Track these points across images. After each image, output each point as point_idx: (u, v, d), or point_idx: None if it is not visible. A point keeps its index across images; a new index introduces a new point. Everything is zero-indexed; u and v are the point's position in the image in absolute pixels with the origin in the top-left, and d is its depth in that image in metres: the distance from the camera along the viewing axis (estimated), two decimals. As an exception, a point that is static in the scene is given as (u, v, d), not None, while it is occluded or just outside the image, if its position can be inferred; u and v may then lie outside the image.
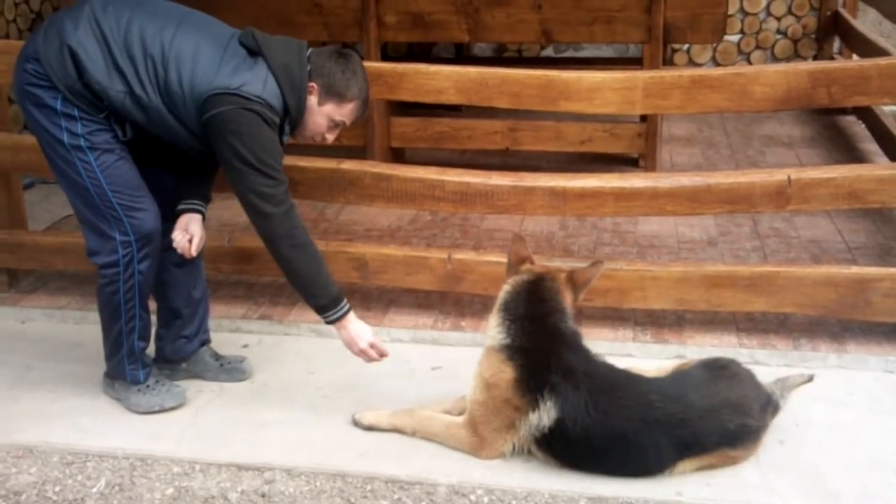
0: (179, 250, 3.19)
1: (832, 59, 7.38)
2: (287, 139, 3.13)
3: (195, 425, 3.21)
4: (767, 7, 7.77)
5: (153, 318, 3.35)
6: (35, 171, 4.14)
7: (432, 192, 3.63)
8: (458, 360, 3.49)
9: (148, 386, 3.29)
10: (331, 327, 3.15)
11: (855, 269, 3.62)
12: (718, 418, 2.79)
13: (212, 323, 3.58)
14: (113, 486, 2.92)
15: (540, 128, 5.48)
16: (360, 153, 5.23)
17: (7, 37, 6.02)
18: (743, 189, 3.45)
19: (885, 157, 5.51)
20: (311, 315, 3.29)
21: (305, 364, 3.62)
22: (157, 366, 3.42)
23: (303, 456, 3.01)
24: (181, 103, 2.93)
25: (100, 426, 3.21)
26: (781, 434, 3.04)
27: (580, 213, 3.98)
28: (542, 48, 7.94)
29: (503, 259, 3.50)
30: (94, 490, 2.90)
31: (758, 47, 7.87)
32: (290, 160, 3.36)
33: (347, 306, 3.10)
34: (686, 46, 7.77)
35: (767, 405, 2.96)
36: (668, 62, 7.68)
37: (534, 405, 2.80)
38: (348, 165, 3.68)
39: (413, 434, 3.07)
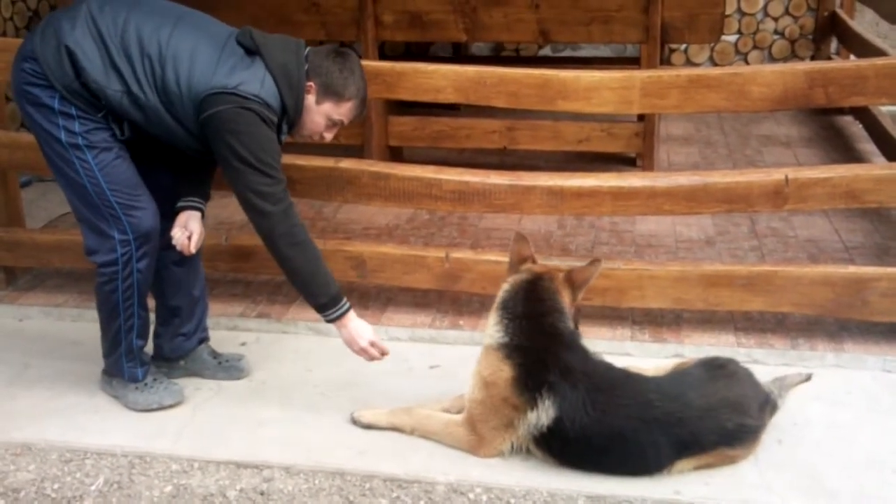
0: (178, 247, 3.19)
1: (829, 59, 7.39)
2: (285, 138, 3.13)
3: (193, 423, 3.21)
4: (765, 7, 7.78)
5: (151, 317, 3.35)
6: (32, 169, 4.14)
7: (430, 191, 3.63)
8: (457, 359, 3.50)
9: (146, 384, 3.29)
10: (329, 326, 3.15)
11: (852, 269, 3.63)
12: (717, 417, 2.80)
13: (210, 321, 3.58)
14: (111, 483, 2.92)
15: (538, 127, 5.48)
16: (357, 152, 5.24)
17: (4, 34, 6.00)
18: (740, 189, 3.46)
19: (882, 157, 5.52)
20: (309, 313, 3.29)
21: (304, 362, 3.62)
22: (155, 364, 3.42)
23: (301, 454, 3.01)
24: (179, 102, 2.93)
25: (98, 424, 3.21)
26: (779, 433, 3.04)
27: (578, 213, 3.99)
28: (540, 48, 7.95)
29: (501, 258, 3.52)
30: (93, 488, 2.90)
31: (755, 47, 7.88)
32: (288, 159, 3.36)
33: (347, 305, 3.10)
34: (683, 46, 7.78)
35: (766, 404, 2.97)
36: (666, 62, 7.69)
37: (532, 404, 2.80)
38: (346, 164, 3.68)
39: (411, 432, 3.07)
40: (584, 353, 2.89)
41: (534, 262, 3.06)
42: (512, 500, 2.79)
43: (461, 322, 3.86)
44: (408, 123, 5.60)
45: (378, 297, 4.07)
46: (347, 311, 3.09)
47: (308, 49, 3.10)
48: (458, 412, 3.05)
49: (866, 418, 3.17)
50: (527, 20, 5.34)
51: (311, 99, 3.07)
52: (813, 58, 7.68)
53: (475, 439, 2.94)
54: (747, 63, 7.81)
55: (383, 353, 3.16)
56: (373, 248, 3.88)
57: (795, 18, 7.77)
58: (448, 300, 4.01)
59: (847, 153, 6.13)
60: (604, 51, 7.85)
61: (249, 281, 4.25)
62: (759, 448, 2.94)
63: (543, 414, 2.78)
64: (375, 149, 5.47)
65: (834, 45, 7.58)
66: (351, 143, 5.30)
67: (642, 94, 3.48)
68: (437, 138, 5.58)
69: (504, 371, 2.85)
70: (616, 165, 5.85)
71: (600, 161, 5.79)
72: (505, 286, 3.00)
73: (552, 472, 2.88)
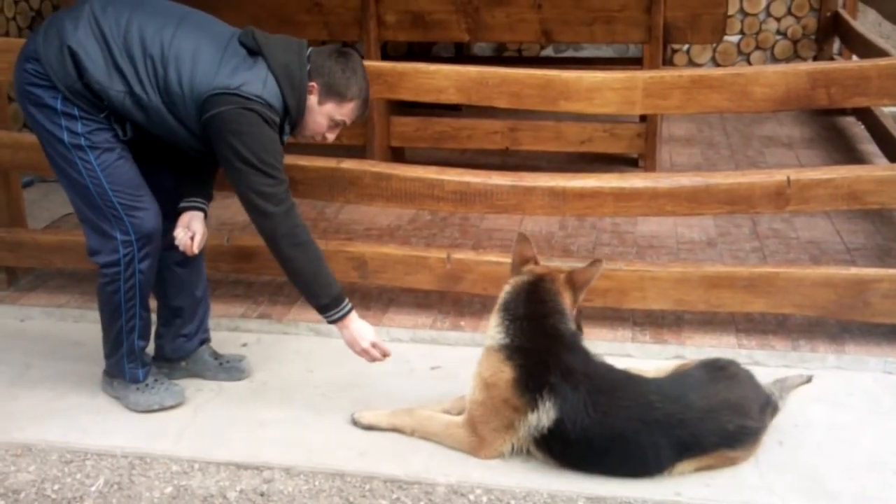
0: (181, 247, 3.19)
1: (832, 59, 7.37)
2: (287, 138, 3.13)
3: (194, 424, 3.21)
4: (767, 8, 7.77)
5: (153, 317, 3.35)
6: (34, 170, 4.14)
7: (432, 192, 3.63)
8: (458, 360, 3.50)
9: (147, 384, 3.29)
10: (331, 327, 3.14)
11: (854, 270, 3.62)
12: (718, 419, 2.79)
13: (211, 322, 3.58)
14: (112, 484, 2.92)
15: (540, 128, 5.48)
16: (359, 152, 5.23)
17: (7, 34, 6.00)
18: (742, 190, 3.46)
19: (884, 159, 5.52)
20: (310, 314, 3.29)
21: (304, 363, 3.62)
22: (156, 364, 3.42)
23: (301, 455, 3.01)
24: (181, 103, 2.93)
25: (99, 425, 3.21)
26: (780, 435, 3.04)
27: (579, 214, 3.99)
28: (542, 48, 7.94)
29: (502, 259, 3.52)
30: (93, 488, 2.90)
31: (757, 48, 7.87)
32: (290, 159, 3.36)
33: (349, 306, 3.10)
34: (686, 47, 7.77)
35: (766, 406, 2.97)
36: (668, 62, 7.67)
37: (533, 405, 2.80)
38: (348, 165, 3.68)
39: (412, 433, 3.07)
40: (585, 355, 2.89)
41: (536, 263, 3.06)
42: (512, 502, 2.79)
43: (462, 323, 3.86)
44: (410, 124, 5.60)
45: (379, 298, 4.07)
46: (349, 312, 3.09)
47: (310, 49, 3.10)
48: (459, 413, 3.05)
49: (867, 420, 3.16)
50: (529, 20, 5.33)
51: (313, 99, 3.07)
52: (815, 58, 7.67)
53: (476, 440, 2.94)
54: (750, 63, 7.80)
55: (385, 355, 3.16)
56: (374, 249, 3.88)
57: (798, 19, 7.76)
58: (449, 301, 4.01)
59: (849, 154, 6.12)
60: (606, 51, 7.85)
61: (251, 282, 4.25)
62: (759, 450, 2.93)
63: (544, 415, 2.78)
64: (377, 149, 5.47)
65: (836, 45, 7.57)
66: (353, 143, 5.30)
67: (644, 95, 3.48)
68: (439, 139, 5.58)
69: (505, 372, 2.85)
70: (618, 166, 5.84)
71: (602, 162, 5.79)
72: (507, 287, 3.00)
73: (553, 473, 2.87)
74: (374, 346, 3.12)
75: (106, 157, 3.00)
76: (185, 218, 3.22)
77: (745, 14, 7.79)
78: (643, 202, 3.53)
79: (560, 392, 2.77)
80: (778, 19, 7.79)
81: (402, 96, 3.75)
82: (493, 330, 2.95)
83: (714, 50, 7.86)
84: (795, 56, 7.81)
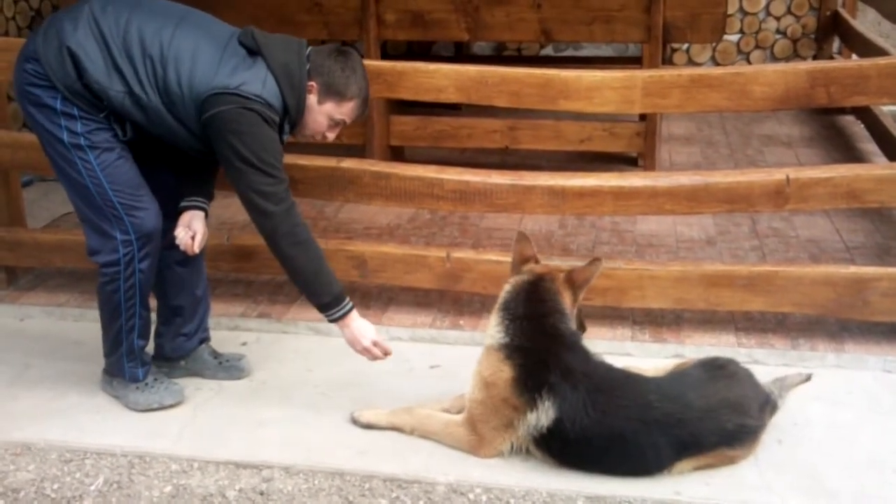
0: (182, 247, 3.19)
1: (831, 58, 7.38)
2: (287, 138, 3.13)
3: (193, 423, 3.21)
4: (767, 7, 7.78)
5: (153, 316, 3.35)
6: (34, 169, 4.15)
7: (431, 191, 3.63)
8: (457, 359, 3.50)
9: (146, 384, 3.29)
10: (330, 325, 3.15)
11: (853, 269, 3.63)
12: (717, 418, 2.79)
13: (211, 321, 3.58)
14: (111, 483, 2.92)
15: (539, 127, 5.48)
16: (359, 152, 5.23)
17: (6, 34, 6.00)
18: (742, 188, 3.46)
19: (883, 157, 5.52)
20: (310, 313, 3.29)
21: (304, 362, 3.62)
22: (155, 363, 3.42)
23: (301, 454, 3.01)
24: (180, 103, 2.94)
25: (98, 424, 3.21)
26: (780, 433, 3.04)
27: (579, 212, 3.99)
28: (542, 47, 7.94)
29: (502, 258, 3.52)
30: (93, 488, 2.91)
31: (757, 47, 7.87)
32: (290, 158, 3.36)
33: (350, 304, 3.10)
34: (685, 46, 7.77)
35: (766, 405, 2.97)
36: (668, 61, 7.68)
37: (532, 405, 2.80)
38: (348, 164, 3.68)
39: (411, 432, 3.07)
40: (584, 354, 2.89)
41: (536, 262, 3.06)
42: (511, 501, 2.79)
43: (462, 322, 3.86)
44: (409, 123, 5.60)
45: (379, 297, 4.07)
46: (350, 310, 3.09)
47: (310, 49, 3.10)
48: (459, 412, 3.05)
49: (867, 418, 3.17)
50: (529, 19, 5.34)
51: (312, 99, 3.07)
52: (815, 57, 7.67)
53: (475, 439, 2.94)
54: (749, 62, 7.81)
55: (386, 353, 3.16)
56: (374, 248, 3.88)
57: (797, 18, 7.77)
58: (449, 300, 4.01)
59: (848, 153, 6.12)
60: (605, 50, 7.85)
61: (251, 281, 4.25)
62: (759, 448, 2.94)
63: (543, 415, 2.78)
64: (377, 148, 5.47)
65: (836, 44, 7.57)
66: (352, 142, 5.29)
67: (644, 94, 3.48)
68: (439, 138, 5.58)
69: (504, 371, 2.85)
70: (617, 165, 5.84)
71: (602, 161, 5.79)
72: (507, 287, 3.01)
73: (552, 472, 2.87)
74: (375, 344, 3.12)
75: (106, 156, 3.00)
76: (186, 217, 3.22)
77: (745, 13, 7.80)
78: (642, 201, 3.53)
79: (559, 391, 2.77)
80: (777, 18, 7.79)
81: (401, 95, 3.75)
82: (492, 329, 2.95)
83: (713, 49, 7.86)
84: (795, 55, 7.81)
